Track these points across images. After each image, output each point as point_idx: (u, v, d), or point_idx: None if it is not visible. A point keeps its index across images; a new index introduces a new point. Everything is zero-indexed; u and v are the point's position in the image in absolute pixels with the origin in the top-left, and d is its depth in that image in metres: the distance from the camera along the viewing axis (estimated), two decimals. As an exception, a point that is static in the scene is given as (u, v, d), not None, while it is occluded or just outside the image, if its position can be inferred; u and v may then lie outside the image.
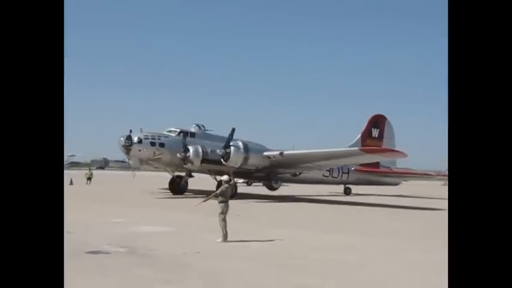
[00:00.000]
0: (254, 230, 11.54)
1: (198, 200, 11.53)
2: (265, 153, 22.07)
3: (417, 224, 15.25)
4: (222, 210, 9.77)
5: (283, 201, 22.10)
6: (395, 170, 30.92)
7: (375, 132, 30.24)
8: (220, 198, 9.92)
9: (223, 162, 20.90)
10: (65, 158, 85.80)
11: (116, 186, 37.08)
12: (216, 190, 11.39)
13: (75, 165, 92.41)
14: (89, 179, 39.11)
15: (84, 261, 7.10)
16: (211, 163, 21.27)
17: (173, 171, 23.93)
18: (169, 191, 24.56)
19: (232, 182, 10.57)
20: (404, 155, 23.68)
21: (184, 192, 24.16)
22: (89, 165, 71.48)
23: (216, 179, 22.08)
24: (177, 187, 23.91)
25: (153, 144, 21.09)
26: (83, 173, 46.75)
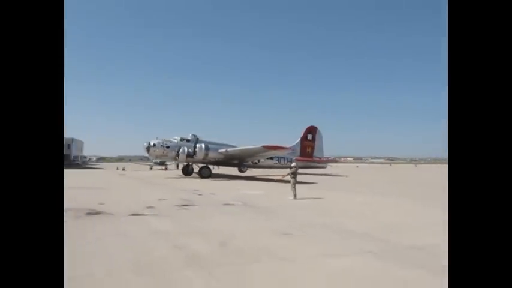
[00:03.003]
0: (303, 192, 17.79)
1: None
2: (220, 150, 32.34)
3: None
4: (293, 182, 16.24)
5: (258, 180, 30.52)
6: (322, 159, 43.91)
7: (309, 136, 42.87)
8: (291, 175, 16.66)
9: (194, 157, 31.92)
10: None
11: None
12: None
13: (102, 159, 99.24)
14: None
15: (221, 209, 12.70)
16: (192, 157, 32.03)
17: (183, 163, 35.16)
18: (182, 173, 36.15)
19: (297, 167, 17.59)
20: (290, 149, 35.10)
21: (191, 174, 35.11)
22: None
23: (198, 166, 33.64)
24: (187, 171, 35.57)
25: (162, 146, 31.76)
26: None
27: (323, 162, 44.43)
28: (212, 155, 32.12)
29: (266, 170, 39.87)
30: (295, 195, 16.03)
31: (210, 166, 33.51)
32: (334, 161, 57.95)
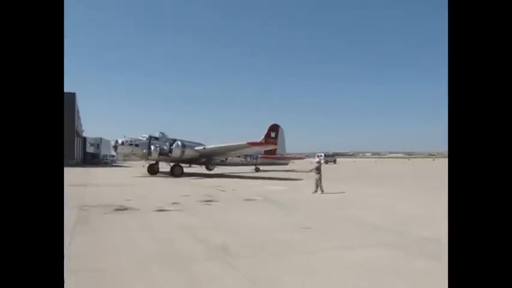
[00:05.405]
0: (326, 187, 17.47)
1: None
2: (196, 148, 30.90)
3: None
4: (317, 177, 16.43)
5: (231, 178, 29.65)
6: (284, 156, 44.01)
7: (273, 134, 42.79)
8: (316, 170, 17.02)
9: (170, 155, 29.96)
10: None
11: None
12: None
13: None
14: None
15: (243, 204, 13.04)
16: (165, 155, 30.26)
17: (149, 161, 32.81)
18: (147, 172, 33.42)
19: (321, 163, 18.03)
20: (275, 147, 36.99)
21: (157, 173, 32.50)
22: None
23: (169, 165, 31.25)
24: (153, 170, 32.91)
25: (130, 145, 30.07)
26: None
27: (286, 159, 44.90)
28: (188, 153, 30.54)
29: (232, 167, 38.84)
30: (322, 190, 16.56)
31: (182, 164, 31.52)
32: (300, 158, 57.82)
